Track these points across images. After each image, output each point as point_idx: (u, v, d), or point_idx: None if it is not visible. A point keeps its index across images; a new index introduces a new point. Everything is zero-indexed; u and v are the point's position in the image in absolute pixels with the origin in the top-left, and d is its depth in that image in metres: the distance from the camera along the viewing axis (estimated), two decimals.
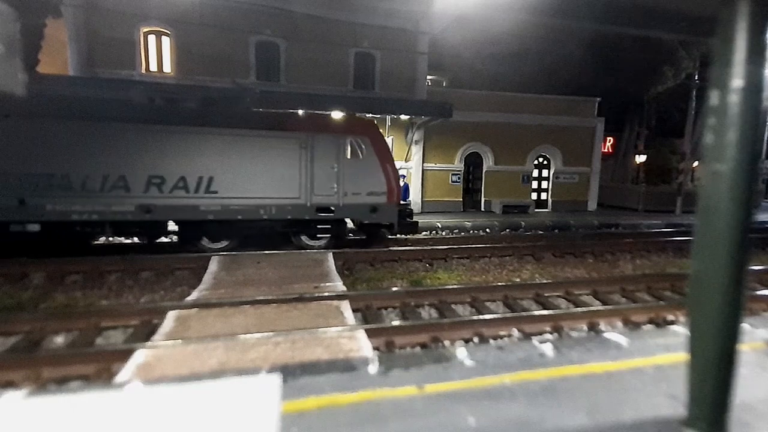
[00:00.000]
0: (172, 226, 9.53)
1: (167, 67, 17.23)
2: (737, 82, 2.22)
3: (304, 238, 10.08)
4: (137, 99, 9.05)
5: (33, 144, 7.91)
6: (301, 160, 9.35)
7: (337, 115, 10.67)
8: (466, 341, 5.49)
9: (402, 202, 10.97)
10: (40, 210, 8.07)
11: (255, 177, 9.16)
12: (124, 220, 8.65)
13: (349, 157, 9.73)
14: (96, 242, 9.87)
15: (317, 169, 9.48)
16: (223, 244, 9.69)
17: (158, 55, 17.16)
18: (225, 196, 9.02)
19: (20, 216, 8.03)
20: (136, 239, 9.82)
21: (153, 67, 17.14)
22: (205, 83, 15.69)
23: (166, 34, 16.90)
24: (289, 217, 9.52)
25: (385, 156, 10.10)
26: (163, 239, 10.10)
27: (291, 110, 10.90)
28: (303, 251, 9.58)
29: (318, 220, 9.76)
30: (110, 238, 9.86)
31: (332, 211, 9.75)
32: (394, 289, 7.44)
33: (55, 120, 8.09)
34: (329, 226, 9.99)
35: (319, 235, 10.04)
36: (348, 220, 10.54)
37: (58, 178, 8.10)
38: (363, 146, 9.82)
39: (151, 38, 17.01)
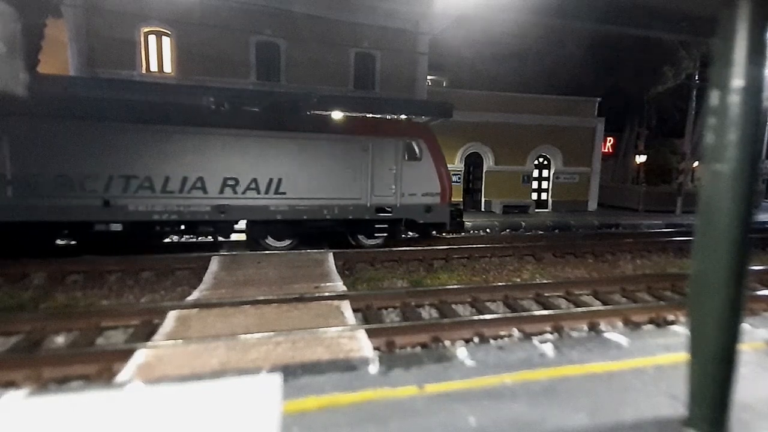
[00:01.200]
0: (236, 225, 9.88)
1: (167, 67, 17.24)
2: (738, 82, 2.22)
3: (361, 237, 10.49)
4: (215, 105, 9.48)
5: (118, 148, 8.31)
6: (363, 162, 9.79)
7: (337, 115, 10.70)
8: (467, 341, 5.50)
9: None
10: (123, 210, 8.50)
11: (320, 179, 9.60)
12: (201, 220, 9.09)
13: (406, 159, 10.13)
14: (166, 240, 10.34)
15: (377, 171, 9.89)
16: (286, 243, 10.07)
17: (158, 56, 17.17)
18: (292, 196, 9.46)
19: (105, 216, 8.46)
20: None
21: (153, 68, 17.15)
22: (204, 83, 15.70)
23: (167, 35, 16.91)
24: (350, 217, 9.93)
25: (438, 158, 10.51)
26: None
27: (353, 114, 11.13)
28: (303, 251, 9.59)
29: (376, 220, 10.17)
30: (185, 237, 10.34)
31: (390, 211, 10.14)
32: (395, 289, 7.44)
33: (139, 125, 8.45)
34: (386, 226, 10.38)
35: (376, 234, 10.43)
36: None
37: (140, 180, 8.52)
38: (419, 149, 10.22)
39: (152, 38, 17.01)
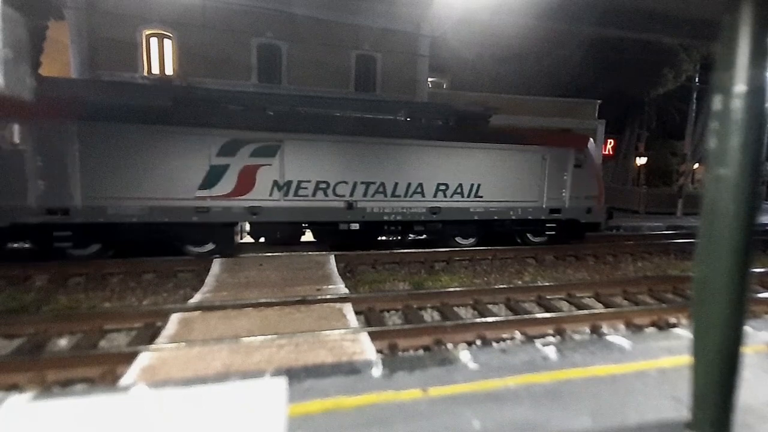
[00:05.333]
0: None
1: (169, 69, 17.28)
2: (740, 86, 2.23)
3: (529, 235, 11.69)
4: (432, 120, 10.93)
5: (362, 159, 9.76)
6: (541, 169, 11.09)
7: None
8: (469, 344, 5.50)
9: None
10: (362, 212, 9.87)
11: (508, 184, 10.86)
12: (419, 220, 10.38)
13: (573, 166, 11.35)
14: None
15: (552, 177, 11.18)
16: (470, 241, 11.35)
17: (160, 57, 17.21)
18: (488, 199, 10.73)
19: (348, 217, 9.84)
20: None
21: (155, 69, 17.19)
22: (205, 85, 15.72)
23: (168, 37, 16.95)
24: (529, 217, 11.16)
25: (596, 165, 11.88)
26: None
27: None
28: (305, 253, 9.61)
29: (549, 220, 11.40)
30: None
31: (560, 212, 11.33)
32: (397, 291, 7.45)
33: (380, 139, 9.89)
34: (554, 225, 11.53)
35: (546, 233, 11.60)
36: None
37: (376, 186, 9.88)
38: (584, 157, 11.45)
39: (153, 40, 17.06)
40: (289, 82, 17.89)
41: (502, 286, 7.63)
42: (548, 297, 7.32)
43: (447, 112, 11.09)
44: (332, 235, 10.08)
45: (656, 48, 19.69)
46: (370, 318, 6.18)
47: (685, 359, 2.56)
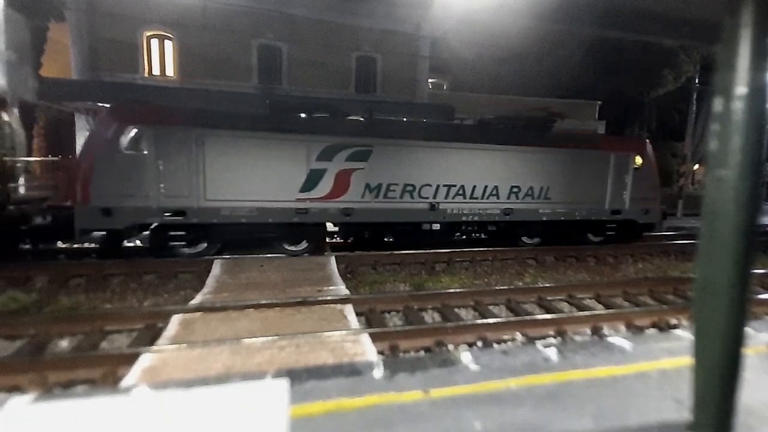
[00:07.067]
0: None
1: (170, 71, 17.31)
2: (741, 88, 2.23)
3: (590, 235, 12.02)
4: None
5: (445, 163, 10.21)
6: (605, 172, 11.50)
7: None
8: (470, 345, 5.50)
9: None
10: (443, 213, 10.34)
11: (574, 186, 11.27)
12: (492, 221, 10.82)
13: (634, 169, 11.72)
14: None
15: (614, 179, 11.57)
16: (535, 240, 11.70)
17: (161, 59, 17.24)
18: (555, 201, 11.16)
19: (430, 218, 10.33)
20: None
21: (156, 71, 17.22)
22: (206, 86, 15.76)
23: (169, 38, 16.98)
24: (593, 217, 11.57)
25: (654, 167, 12.22)
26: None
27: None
28: (305, 255, 9.62)
29: (610, 221, 11.81)
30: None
31: (620, 213, 11.71)
32: (398, 292, 7.45)
33: (458, 143, 10.34)
34: (614, 225, 11.92)
35: (607, 233, 12.02)
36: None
37: (456, 188, 10.35)
38: (642, 160, 11.83)
39: (154, 41, 17.08)
40: (290, 83, 17.92)
41: (502, 287, 7.63)
42: (549, 298, 7.32)
43: (517, 118, 11.82)
44: (414, 235, 10.54)
45: (656, 49, 19.72)
46: (371, 319, 6.19)
47: (686, 360, 2.56)
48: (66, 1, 15.18)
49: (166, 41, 17.10)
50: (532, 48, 21.50)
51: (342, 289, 6.93)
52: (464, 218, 10.55)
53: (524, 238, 11.63)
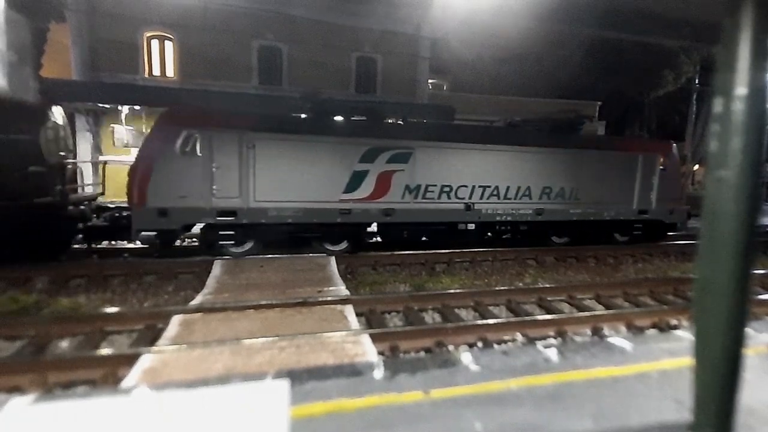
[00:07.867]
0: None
1: (170, 71, 17.31)
2: (741, 89, 2.23)
3: (617, 234, 12.17)
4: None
5: (481, 164, 10.45)
6: (633, 173, 11.72)
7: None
8: (471, 346, 5.50)
9: None
10: (478, 213, 10.59)
11: (603, 186, 11.50)
12: (525, 221, 11.02)
13: (660, 170, 11.91)
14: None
15: (642, 180, 11.78)
16: (564, 239, 11.88)
17: (161, 59, 17.25)
18: (585, 201, 11.40)
19: (466, 218, 10.56)
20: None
21: (156, 71, 17.22)
22: (207, 87, 15.76)
23: (169, 39, 16.99)
24: (621, 217, 11.79)
25: (679, 169, 12.44)
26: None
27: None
28: (305, 255, 9.62)
29: (637, 220, 12.02)
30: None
31: (647, 213, 11.95)
32: (398, 293, 7.45)
33: (492, 145, 10.55)
34: (641, 225, 12.11)
35: (634, 233, 12.22)
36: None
37: (491, 189, 10.58)
38: (668, 162, 12.04)
39: (154, 42, 17.09)
40: (290, 84, 17.93)
41: (503, 288, 7.63)
42: (549, 299, 7.32)
43: (547, 120, 12.06)
44: (450, 235, 10.69)
45: (656, 50, 19.72)
46: (371, 320, 6.19)
47: (687, 361, 2.56)
48: (66, 1, 15.19)
49: (166, 42, 17.11)
50: (532, 48, 21.50)
51: (342, 290, 6.93)
52: (498, 218, 10.77)
53: (554, 238, 11.81)
